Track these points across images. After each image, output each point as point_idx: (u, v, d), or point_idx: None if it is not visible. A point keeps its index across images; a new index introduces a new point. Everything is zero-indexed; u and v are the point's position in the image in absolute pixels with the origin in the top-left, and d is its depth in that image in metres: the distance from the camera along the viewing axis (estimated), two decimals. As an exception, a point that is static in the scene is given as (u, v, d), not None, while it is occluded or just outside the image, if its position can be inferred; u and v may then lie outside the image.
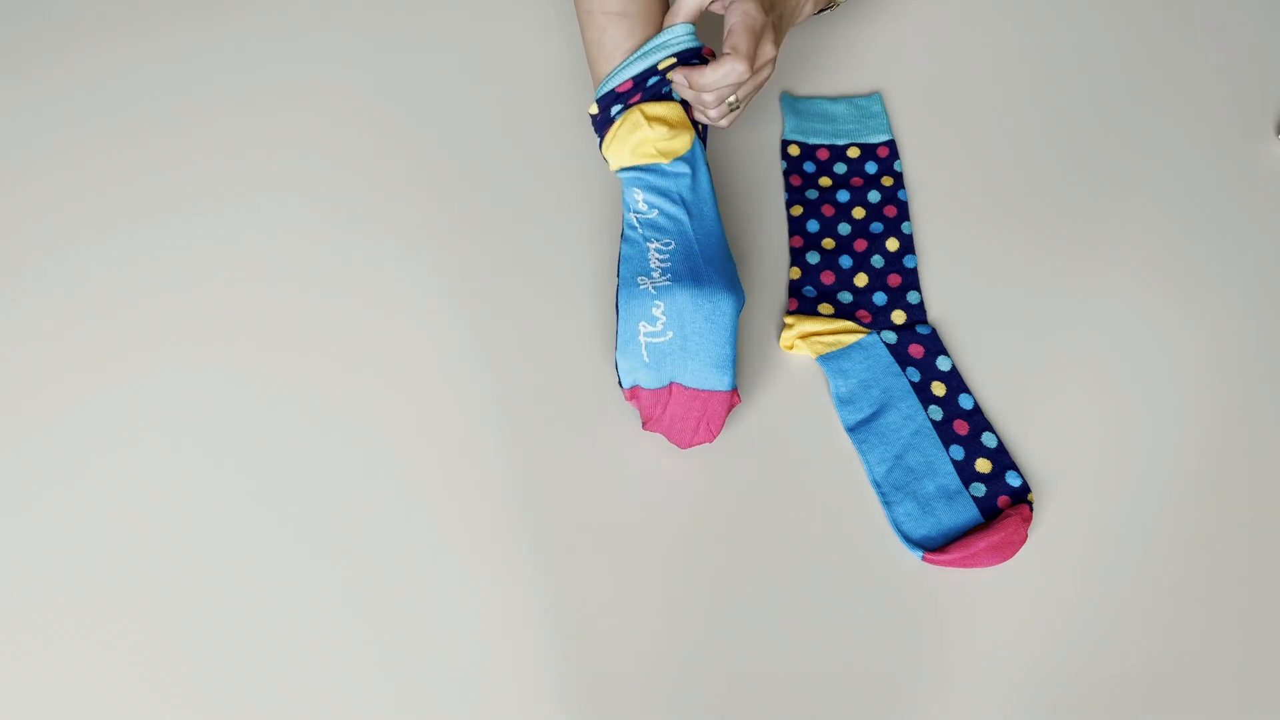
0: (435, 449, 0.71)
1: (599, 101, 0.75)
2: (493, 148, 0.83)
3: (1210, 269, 0.80)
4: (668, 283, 0.69)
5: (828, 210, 0.81)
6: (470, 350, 0.75)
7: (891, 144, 0.84)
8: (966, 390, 0.74)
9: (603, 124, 0.75)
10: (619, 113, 0.74)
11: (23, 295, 0.76)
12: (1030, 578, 0.69)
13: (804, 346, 0.76)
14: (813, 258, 0.79)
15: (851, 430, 0.73)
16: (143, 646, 0.65)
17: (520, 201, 0.81)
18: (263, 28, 0.87)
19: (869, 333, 0.76)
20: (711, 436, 0.70)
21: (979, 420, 0.73)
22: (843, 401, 0.74)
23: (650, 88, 0.74)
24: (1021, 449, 0.73)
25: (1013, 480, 0.71)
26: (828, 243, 0.80)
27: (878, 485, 0.71)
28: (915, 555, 0.69)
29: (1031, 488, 0.72)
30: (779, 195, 0.82)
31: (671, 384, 0.69)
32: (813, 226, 0.81)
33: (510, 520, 0.69)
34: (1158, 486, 0.72)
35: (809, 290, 0.78)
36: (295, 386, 0.73)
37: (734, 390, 0.69)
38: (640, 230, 0.72)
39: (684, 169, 0.74)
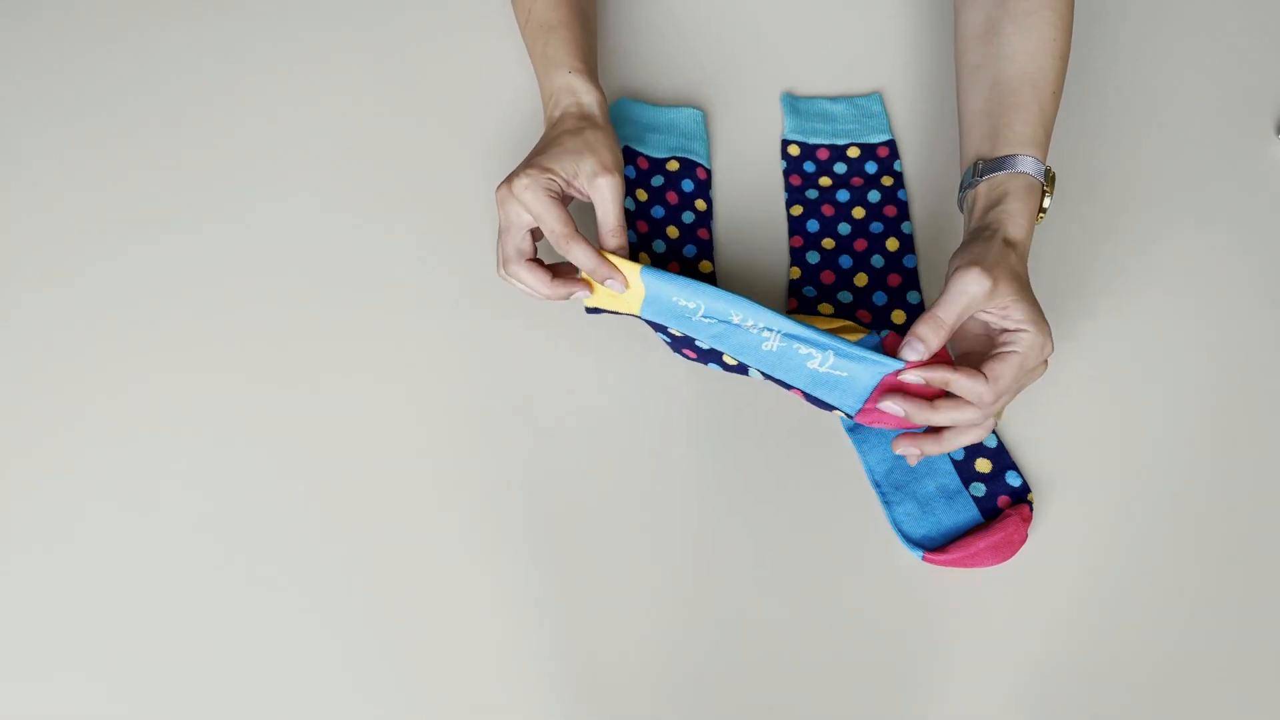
0: (445, 448, 0.71)
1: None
2: (508, 146, 0.83)
3: (1210, 269, 0.80)
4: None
5: (828, 210, 0.81)
6: (478, 351, 0.75)
7: (892, 144, 0.84)
8: (966, 390, 0.74)
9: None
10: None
11: (30, 299, 0.76)
12: (1030, 578, 0.69)
13: (804, 346, 0.76)
14: (813, 258, 0.79)
15: (851, 430, 0.73)
16: (147, 649, 0.65)
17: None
18: (265, 23, 0.87)
19: (869, 333, 0.76)
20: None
21: (979, 420, 0.73)
22: (843, 401, 0.74)
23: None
24: (1021, 449, 0.73)
25: (1013, 480, 0.71)
26: (828, 243, 0.80)
27: (878, 485, 0.71)
28: (915, 555, 0.69)
29: (1031, 488, 0.72)
30: (779, 195, 0.82)
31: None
32: (813, 226, 0.81)
33: (515, 520, 0.69)
34: (1158, 486, 0.72)
35: (809, 290, 0.78)
36: (299, 391, 0.73)
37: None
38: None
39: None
